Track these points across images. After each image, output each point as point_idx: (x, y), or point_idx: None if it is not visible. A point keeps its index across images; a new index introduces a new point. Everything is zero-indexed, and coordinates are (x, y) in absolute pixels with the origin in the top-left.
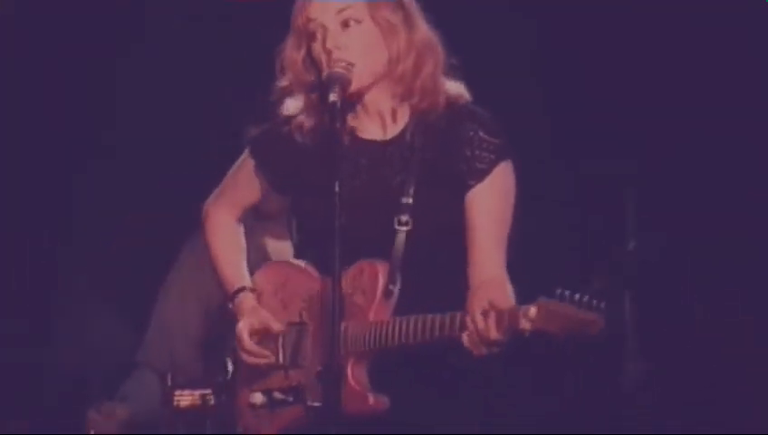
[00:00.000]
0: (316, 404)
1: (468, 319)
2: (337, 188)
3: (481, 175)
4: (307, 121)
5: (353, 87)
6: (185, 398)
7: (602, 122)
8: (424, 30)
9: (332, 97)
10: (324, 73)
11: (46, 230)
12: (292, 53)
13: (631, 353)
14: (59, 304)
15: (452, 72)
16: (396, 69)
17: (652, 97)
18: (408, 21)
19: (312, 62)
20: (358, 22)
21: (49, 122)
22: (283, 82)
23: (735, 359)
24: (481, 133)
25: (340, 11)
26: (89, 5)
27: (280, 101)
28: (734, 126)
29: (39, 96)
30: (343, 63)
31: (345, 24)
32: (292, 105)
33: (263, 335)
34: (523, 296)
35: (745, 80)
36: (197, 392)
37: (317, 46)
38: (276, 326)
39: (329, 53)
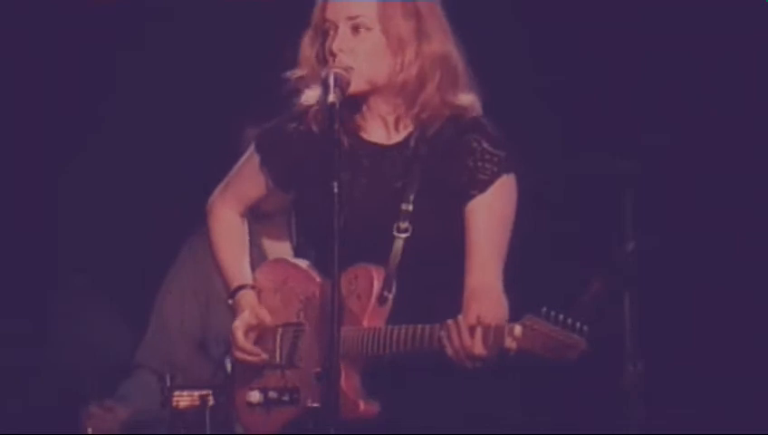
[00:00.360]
0: (314, 405)
1: (455, 332)
2: (336, 190)
3: (483, 186)
4: (321, 114)
5: (351, 91)
6: (184, 399)
7: (600, 122)
8: (438, 42)
9: (331, 98)
10: (323, 73)
11: (46, 230)
12: (307, 46)
13: (631, 354)
14: (58, 304)
15: (472, 84)
16: (397, 79)
17: (650, 96)
18: (422, 32)
19: (324, 57)
20: (368, 29)
21: (49, 122)
22: (299, 73)
23: (734, 359)
24: (485, 145)
25: (353, 17)
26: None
27: (295, 90)
28: (734, 126)
29: (39, 95)
30: (342, 66)
31: (355, 29)
32: (310, 96)
33: (260, 333)
34: (521, 300)
35: (745, 80)
36: (196, 393)
37: (327, 43)
38: (270, 322)
39: (333, 54)
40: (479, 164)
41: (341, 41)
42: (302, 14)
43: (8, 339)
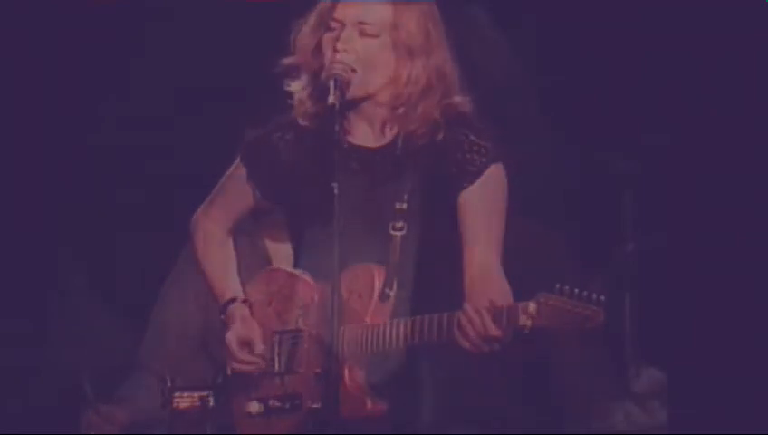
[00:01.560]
0: (315, 406)
1: (466, 317)
2: (336, 191)
3: (472, 177)
4: (310, 106)
5: (348, 96)
6: (184, 400)
7: (600, 122)
8: (441, 55)
9: (331, 99)
10: (324, 74)
11: (46, 230)
12: (306, 36)
13: (631, 354)
14: (58, 304)
15: (462, 87)
16: (403, 91)
17: (650, 96)
18: (429, 45)
19: (321, 49)
20: (374, 37)
21: (49, 122)
22: (293, 60)
23: (735, 359)
24: (471, 137)
25: (363, 22)
26: (89, 8)
27: (284, 76)
28: (734, 126)
29: (39, 95)
30: (343, 66)
31: (362, 34)
32: (297, 86)
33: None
34: (522, 298)
35: (745, 80)
36: (197, 394)
37: (329, 37)
38: (259, 346)
39: (335, 51)
40: (467, 156)
41: (346, 40)
42: (302, 15)
43: (8, 339)
